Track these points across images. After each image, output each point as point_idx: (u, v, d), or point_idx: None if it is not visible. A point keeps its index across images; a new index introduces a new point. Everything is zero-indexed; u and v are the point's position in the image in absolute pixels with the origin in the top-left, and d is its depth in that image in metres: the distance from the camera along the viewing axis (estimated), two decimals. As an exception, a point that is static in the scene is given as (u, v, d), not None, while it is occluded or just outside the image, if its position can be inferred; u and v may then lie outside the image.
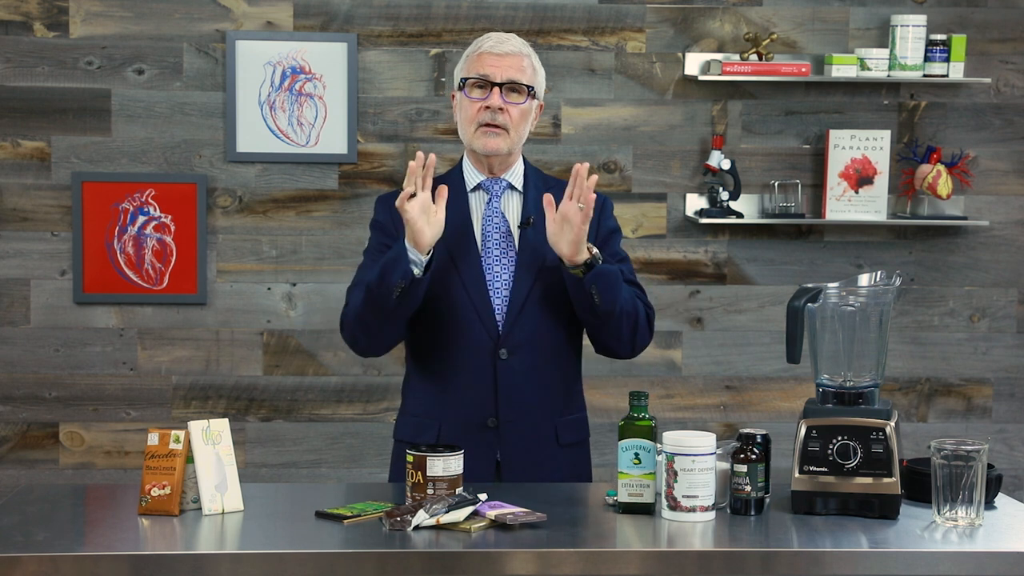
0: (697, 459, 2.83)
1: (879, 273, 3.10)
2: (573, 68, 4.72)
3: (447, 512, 2.77)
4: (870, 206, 4.73)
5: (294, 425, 4.76)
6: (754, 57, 4.67)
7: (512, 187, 3.35)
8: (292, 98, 4.66)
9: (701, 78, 4.67)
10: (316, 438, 4.76)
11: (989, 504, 3.01)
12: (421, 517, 2.76)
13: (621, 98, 4.74)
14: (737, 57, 4.70)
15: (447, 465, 2.89)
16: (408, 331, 3.31)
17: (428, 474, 2.87)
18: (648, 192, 4.77)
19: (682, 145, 4.76)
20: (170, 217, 4.67)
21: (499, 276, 3.29)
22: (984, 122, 4.81)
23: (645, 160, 4.76)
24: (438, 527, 2.76)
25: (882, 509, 2.89)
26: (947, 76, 4.66)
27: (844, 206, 4.73)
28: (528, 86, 3.28)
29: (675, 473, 2.84)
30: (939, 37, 4.66)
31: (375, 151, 4.71)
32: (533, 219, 3.28)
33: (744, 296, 4.82)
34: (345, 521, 2.81)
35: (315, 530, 2.78)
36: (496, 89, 3.25)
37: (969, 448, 2.84)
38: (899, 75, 4.66)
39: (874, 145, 4.72)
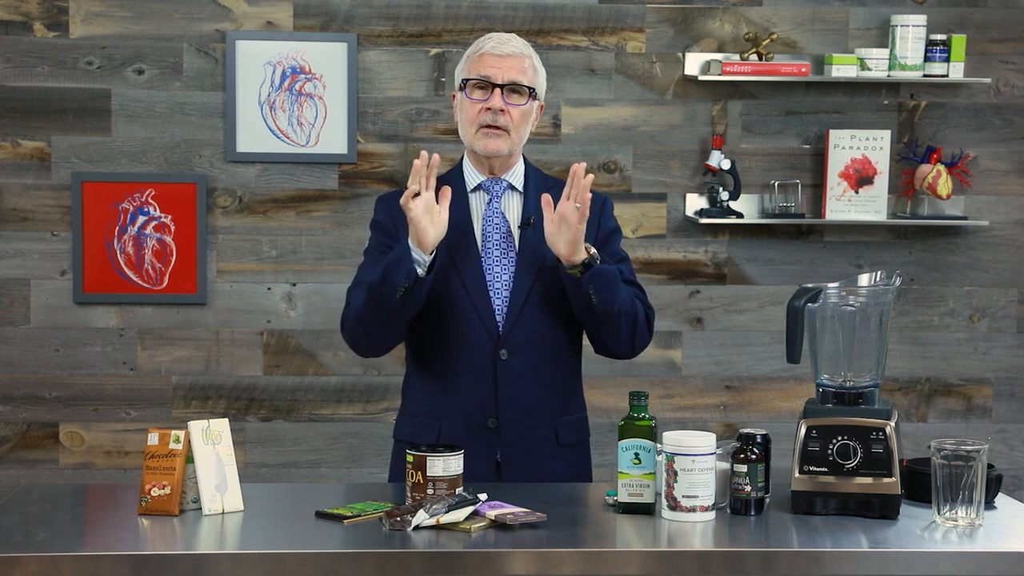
0: (697, 459, 2.83)
1: (879, 273, 3.10)
2: (573, 68, 4.72)
3: (447, 512, 2.77)
4: (870, 206, 4.73)
5: (294, 425, 4.76)
6: (754, 57, 4.67)
7: (512, 187, 3.34)
8: (292, 98, 4.66)
9: (701, 78, 4.67)
10: (316, 438, 4.76)
11: (989, 504, 3.01)
12: (421, 517, 2.76)
13: (621, 98, 4.74)
14: (737, 57, 4.70)
15: (447, 465, 2.89)
16: (408, 331, 3.31)
17: (428, 474, 2.87)
18: (648, 192, 4.77)
19: (682, 145, 4.76)
20: (170, 217, 4.67)
21: (499, 276, 3.29)
22: (984, 122, 4.81)
23: (645, 160, 4.76)
24: (438, 527, 2.76)
25: (882, 509, 2.89)
26: (947, 76, 4.66)
27: (844, 206, 4.73)
28: (529, 87, 3.28)
29: (675, 473, 2.84)
30: (939, 37, 4.66)
31: (375, 151, 4.71)
32: (533, 219, 3.28)
33: (744, 296, 4.82)
34: (345, 521, 2.81)
35: (315, 530, 2.78)
36: (497, 90, 3.25)
37: (969, 448, 2.84)
38: (899, 75, 4.66)
39: (874, 145, 4.72)
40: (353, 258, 4.55)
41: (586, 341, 3.38)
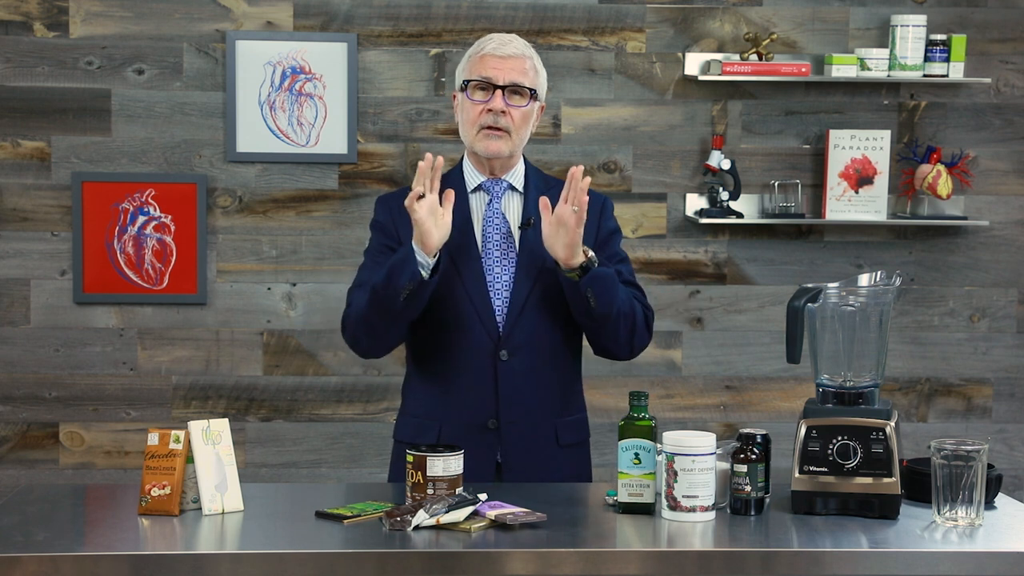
0: (697, 459, 2.83)
1: (879, 273, 3.10)
2: (573, 68, 4.72)
3: (447, 512, 2.77)
4: (870, 206, 4.73)
5: (294, 425, 4.76)
6: (754, 57, 4.67)
7: (513, 188, 3.34)
8: (292, 98, 4.66)
9: (701, 78, 4.67)
10: (316, 438, 4.76)
11: (989, 504, 3.01)
12: (421, 517, 2.76)
13: (621, 98, 4.74)
14: (737, 57, 4.70)
15: (447, 465, 2.89)
16: (409, 332, 3.31)
17: (428, 474, 2.87)
18: (648, 192, 4.77)
19: (682, 145, 4.76)
20: (170, 217, 4.67)
21: (499, 277, 3.29)
22: (984, 122, 4.81)
23: (645, 160, 4.76)
24: (438, 527, 2.76)
25: (882, 509, 2.89)
26: (947, 76, 4.66)
27: (844, 206, 4.73)
28: (530, 89, 3.27)
29: (675, 473, 2.84)
30: (939, 37, 4.66)
31: (375, 151, 4.71)
32: (534, 220, 3.28)
33: (744, 296, 4.82)
34: (345, 521, 2.81)
35: (315, 530, 2.78)
36: (498, 92, 3.25)
37: (969, 448, 2.84)
38: (899, 75, 4.66)
39: (874, 145, 4.72)
40: (353, 258, 4.55)
41: (585, 342, 3.38)
